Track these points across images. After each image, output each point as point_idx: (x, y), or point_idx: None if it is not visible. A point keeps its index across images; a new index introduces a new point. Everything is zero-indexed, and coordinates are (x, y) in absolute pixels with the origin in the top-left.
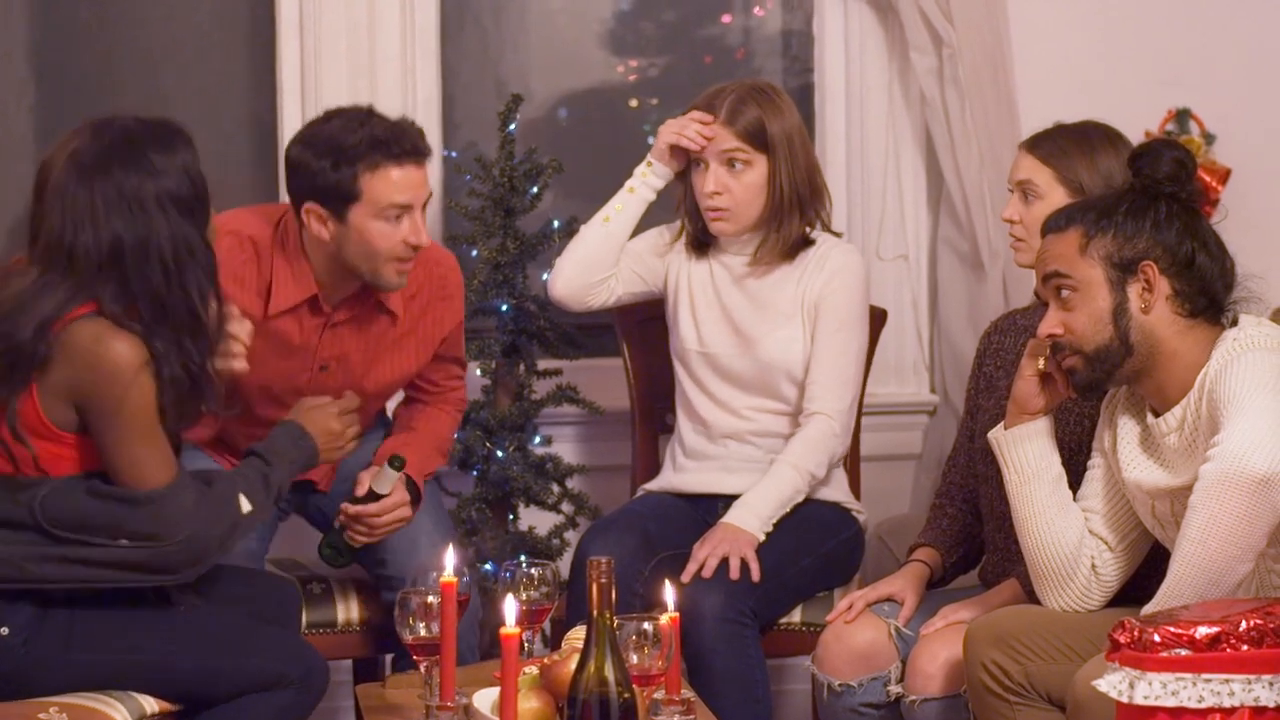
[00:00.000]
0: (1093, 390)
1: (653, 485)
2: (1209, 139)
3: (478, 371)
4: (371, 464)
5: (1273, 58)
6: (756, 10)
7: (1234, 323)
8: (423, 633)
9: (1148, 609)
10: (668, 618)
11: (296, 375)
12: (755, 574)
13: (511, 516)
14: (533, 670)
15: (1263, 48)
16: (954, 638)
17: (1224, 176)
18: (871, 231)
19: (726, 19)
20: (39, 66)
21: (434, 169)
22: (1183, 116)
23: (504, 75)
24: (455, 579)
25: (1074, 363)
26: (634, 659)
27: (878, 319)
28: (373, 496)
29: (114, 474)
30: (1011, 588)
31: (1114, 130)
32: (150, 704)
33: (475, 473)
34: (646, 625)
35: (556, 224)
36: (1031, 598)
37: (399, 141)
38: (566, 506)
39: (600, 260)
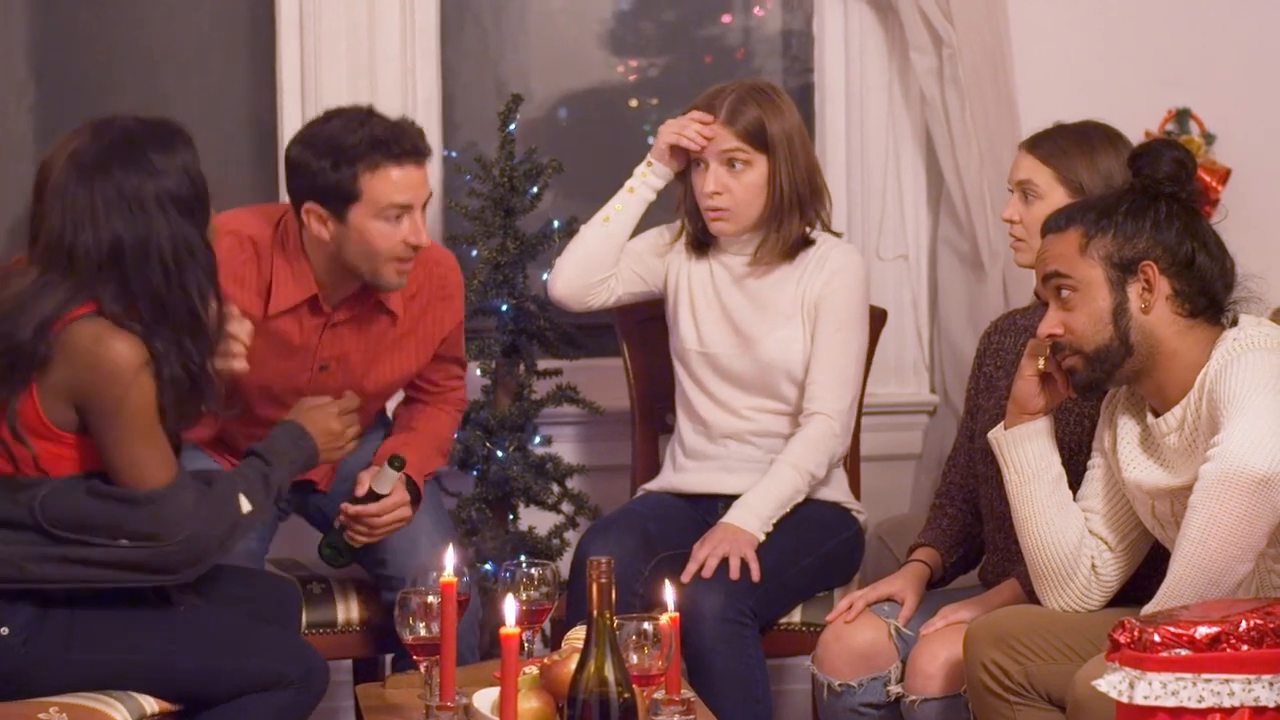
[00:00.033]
0: (1093, 390)
1: (653, 485)
2: (1209, 139)
3: (478, 371)
4: (371, 464)
5: (1273, 58)
6: (756, 10)
7: (1234, 323)
8: (423, 633)
9: (1148, 609)
10: (668, 618)
11: (296, 375)
12: (755, 574)
13: (511, 516)
14: (533, 670)
15: (1263, 48)
16: (954, 638)
17: (1224, 176)
18: (871, 231)
19: (726, 19)
20: (39, 67)
21: (434, 169)
22: (1183, 116)
23: (504, 75)
24: (455, 579)
25: (1074, 363)
26: (634, 659)
27: (878, 319)
28: (373, 496)
29: (114, 474)
30: (1011, 588)
31: (1114, 130)
32: (150, 704)
33: (475, 473)
34: (646, 625)
35: (556, 224)
36: (1031, 598)
37: (399, 141)
38: (566, 506)
39: (600, 260)
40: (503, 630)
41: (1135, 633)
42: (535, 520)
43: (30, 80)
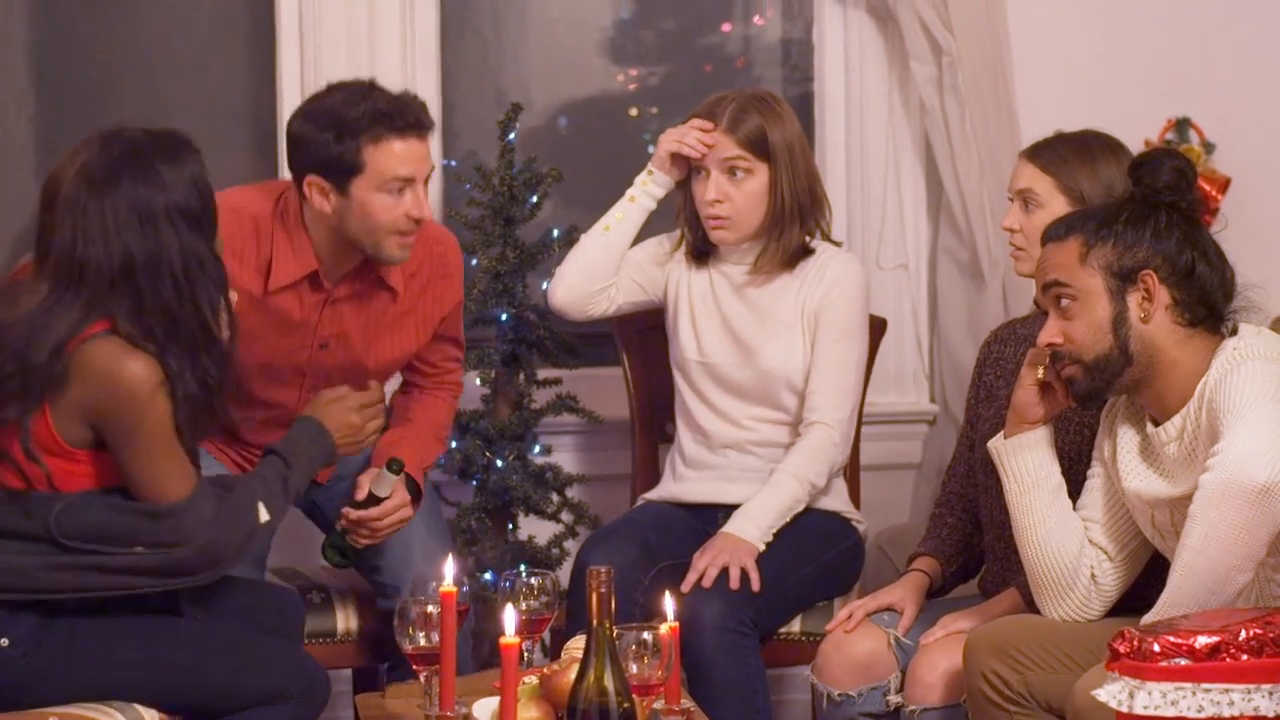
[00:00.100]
0: (1092, 399)
1: (652, 495)
2: (1209, 148)
3: (477, 381)
4: (370, 465)
5: (1272, 66)
6: (756, 19)
7: (1234, 332)
8: (422, 642)
9: (1147, 618)
10: (667, 627)
11: (296, 353)
12: (755, 584)
13: (511, 526)
14: (532, 680)
15: (1262, 56)
16: (954, 647)
17: (1224, 185)
18: (871, 240)
19: (726, 28)
20: (39, 75)
21: (434, 178)
22: (1182, 125)
23: (504, 84)
24: (455, 589)
25: (1073, 372)
26: (634, 669)
27: (877, 328)
28: (373, 500)
29: (134, 489)
30: (1011, 597)
31: (1114, 139)
32: (151, 716)
33: (475, 482)
34: (646, 635)
35: (556, 233)
36: (1031, 607)
37: (402, 114)
38: (566, 516)
39: (601, 269)
40: (502, 640)
41: (1135, 642)
42: (535, 530)
43: (30, 88)
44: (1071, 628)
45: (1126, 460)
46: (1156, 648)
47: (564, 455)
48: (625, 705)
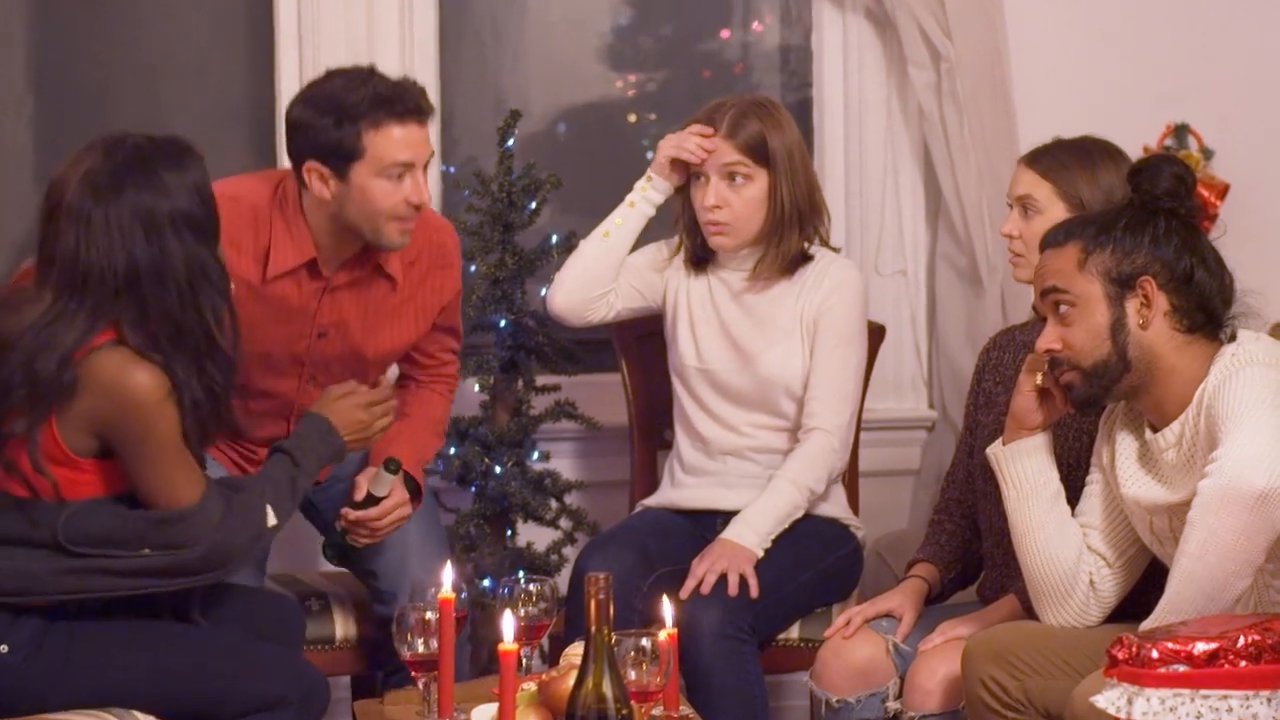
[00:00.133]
0: (1090, 405)
1: (651, 501)
2: (1207, 154)
3: (476, 387)
4: (367, 464)
5: (1271, 72)
6: (755, 25)
7: (1232, 338)
8: (421, 649)
9: (1146, 625)
10: (666, 634)
11: (295, 341)
12: (754, 590)
13: (509, 532)
14: (531, 687)
15: (1261, 62)
16: (952, 654)
17: (1222, 191)
18: (870, 246)
19: (725, 34)
20: (37, 79)
21: (433, 183)
22: (1181, 131)
23: (502, 90)
24: (453, 595)
25: (1071, 378)
26: (632, 675)
27: (876, 334)
28: (371, 500)
29: (144, 497)
30: (1010, 603)
31: (1114, 146)
32: None
33: (473, 488)
34: (645, 641)
35: (555, 239)
36: (1030, 613)
37: (402, 99)
38: (565, 522)
39: (600, 275)
40: (501, 646)
41: (1133, 648)
42: (533, 536)
43: (29, 92)
44: (1070, 634)
45: (1125, 466)
46: (1155, 654)
47: (562, 461)
48: (624, 712)
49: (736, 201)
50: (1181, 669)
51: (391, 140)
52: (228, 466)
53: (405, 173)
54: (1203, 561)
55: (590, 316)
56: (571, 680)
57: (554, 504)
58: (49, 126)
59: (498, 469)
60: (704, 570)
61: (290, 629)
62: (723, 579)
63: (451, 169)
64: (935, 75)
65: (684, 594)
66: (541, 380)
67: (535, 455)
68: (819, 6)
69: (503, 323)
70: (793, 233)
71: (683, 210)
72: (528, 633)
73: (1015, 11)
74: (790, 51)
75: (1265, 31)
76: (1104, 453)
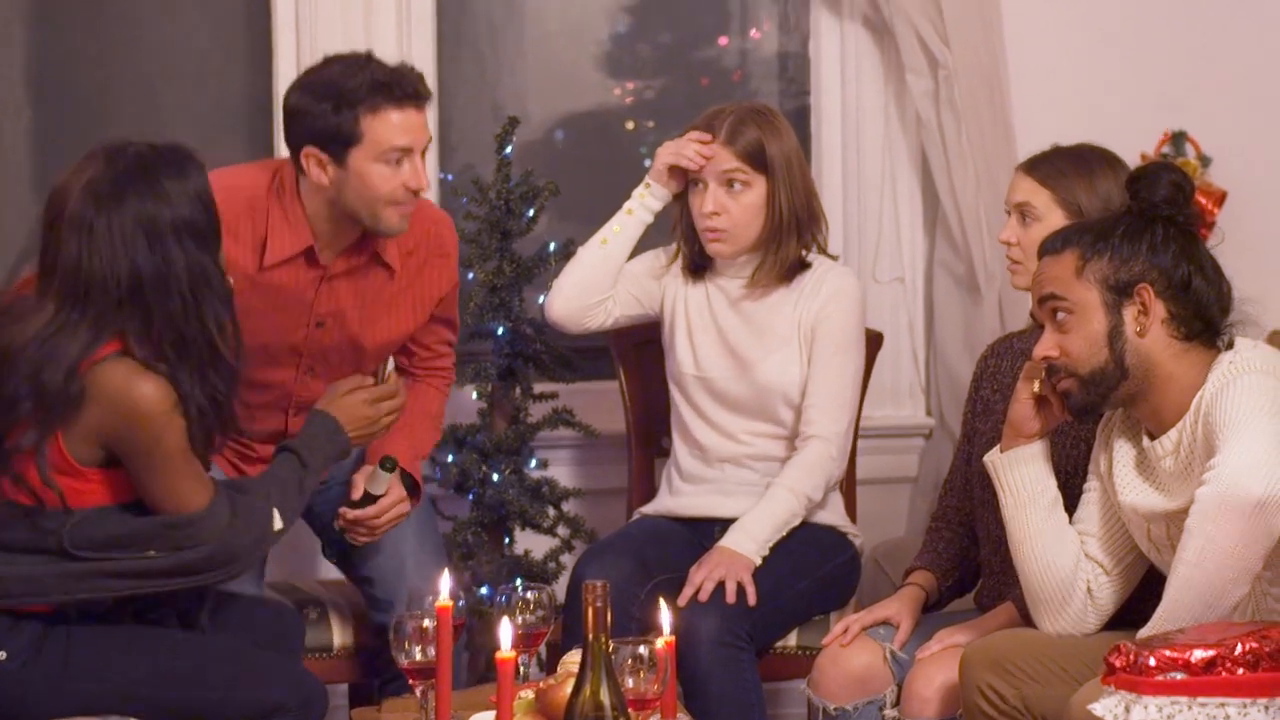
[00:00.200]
0: (1088, 413)
1: (649, 509)
2: (1205, 161)
3: (473, 394)
4: (364, 463)
5: (1268, 80)
6: (753, 33)
7: (1230, 345)
8: (418, 657)
9: (1143, 632)
10: (664, 641)
11: (292, 331)
12: (751, 598)
13: (507, 540)
14: (528, 695)
15: (1258, 70)
16: (950, 661)
17: (1220, 199)
18: (868, 254)
19: (723, 41)
20: (36, 88)
21: (431, 190)
22: (1179, 139)
23: (500, 98)
24: (451, 603)
25: (1069, 385)
26: (630, 683)
27: (874, 342)
28: (369, 499)
29: (152, 505)
30: (1007, 611)
31: (1112, 153)
32: None
33: (471, 496)
34: (642, 649)
35: (553, 247)
36: (1027, 621)
37: (400, 85)
38: (562, 530)
39: (598, 282)
40: (498, 654)
41: (1131, 656)
42: (531, 544)
43: (27, 102)
44: (1067, 642)
45: (1122, 474)
46: (1152, 662)
47: (560, 469)
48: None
49: (735, 208)
50: (1179, 676)
51: (390, 125)
52: (224, 467)
53: (403, 158)
54: (1200, 569)
55: (588, 323)
56: (569, 688)
57: (552, 511)
58: (47, 132)
59: (495, 476)
60: (702, 578)
61: (289, 637)
62: (720, 586)
63: (449, 176)
64: (933, 83)
65: (682, 601)
66: (539, 388)
67: (533, 463)
68: (817, 14)
69: (500, 330)
70: (791, 240)
71: (680, 217)
72: (525, 640)
73: (1013, 19)
74: (788, 59)
75: (1262, 38)
76: (1101, 460)
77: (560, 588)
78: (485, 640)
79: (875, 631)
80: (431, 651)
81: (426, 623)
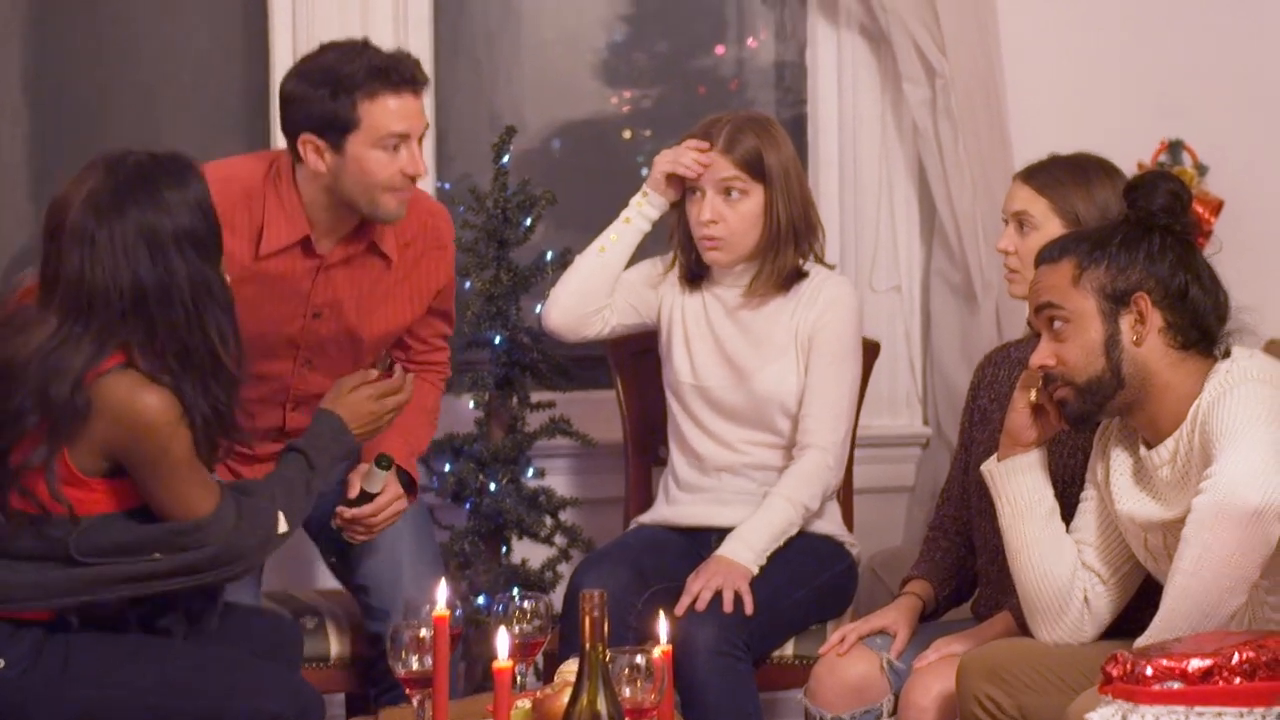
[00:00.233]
0: (1084, 422)
1: (646, 518)
2: (1202, 170)
3: (470, 403)
4: (360, 461)
5: (1265, 88)
6: (750, 42)
7: (1226, 354)
8: (415, 666)
9: (1140, 641)
10: (661, 651)
11: (289, 322)
12: (749, 607)
13: (504, 549)
14: (525, 704)
15: (1255, 78)
16: (947, 670)
17: (1217, 208)
18: (864, 263)
19: (720, 50)
20: (34, 95)
21: (428, 187)
22: (1175, 147)
23: (497, 107)
24: (448, 613)
25: (1065, 394)
26: (627, 692)
27: (870, 351)
28: (365, 497)
29: (160, 513)
30: (1004, 620)
31: (1109, 162)
32: None
33: (468, 505)
34: (639, 658)
35: (550, 256)
36: (1024, 630)
37: (397, 70)
38: (559, 539)
39: (596, 290)
40: (495, 664)
41: (1128, 665)
42: (528, 553)
43: (25, 109)
44: (1064, 651)
45: (1119, 483)
46: (1149, 671)
47: (557, 478)
48: None
49: (732, 216)
50: (1176, 686)
51: (387, 111)
52: (219, 469)
53: (401, 143)
54: (1197, 578)
55: (586, 332)
56: (566, 697)
57: (549, 521)
58: (45, 135)
59: (492, 486)
60: (699, 587)
61: (287, 647)
62: (718, 596)
63: (446, 185)
64: (930, 91)
65: (679, 610)
66: (536, 397)
67: (530, 472)
68: (814, 22)
69: (497, 339)
70: (788, 249)
71: (677, 226)
72: (522, 650)
73: (1009, 27)
74: (785, 67)
75: (1259, 46)
76: (1098, 469)
77: (557, 597)
78: (482, 650)
79: (872, 641)
80: (428, 661)
81: (423, 632)
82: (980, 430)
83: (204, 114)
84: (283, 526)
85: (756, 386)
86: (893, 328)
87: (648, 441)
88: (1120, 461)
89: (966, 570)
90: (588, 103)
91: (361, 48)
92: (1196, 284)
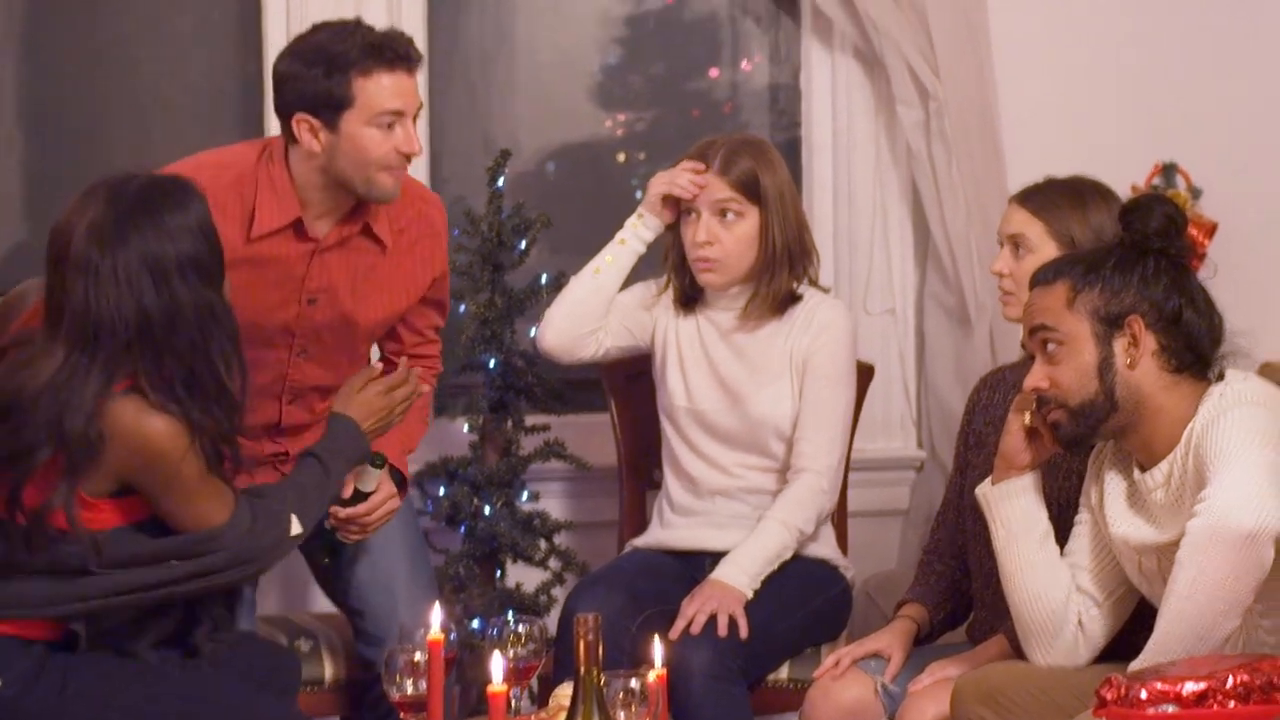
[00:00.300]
0: (1077, 445)
1: (640, 541)
2: (1195, 193)
3: (465, 427)
4: None
5: (1258, 111)
6: (744, 65)
7: (1220, 377)
8: (410, 690)
9: (1135, 665)
10: (655, 674)
11: (284, 308)
12: (743, 631)
13: (499, 573)
14: None
15: (1248, 101)
16: (942, 694)
17: (1210, 231)
18: (859, 285)
19: (714, 73)
20: (28, 120)
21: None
22: (1169, 170)
23: (492, 130)
24: (442, 636)
25: (1058, 416)
26: (621, 716)
27: (865, 374)
28: (359, 497)
29: (175, 528)
30: (999, 643)
31: (1105, 186)
32: None
33: (462, 529)
34: (634, 682)
35: (545, 279)
36: (1019, 653)
37: (391, 47)
38: (554, 563)
39: (590, 311)
40: (490, 688)
41: (1122, 689)
42: (522, 576)
43: (19, 133)
44: (1059, 674)
45: (1114, 506)
46: (1144, 694)
47: (552, 502)
48: None
49: (728, 238)
50: (1170, 709)
51: (381, 88)
52: None
53: (396, 121)
54: (1191, 601)
55: (580, 354)
56: None
57: (543, 544)
58: (39, 169)
59: (487, 509)
60: (694, 611)
61: (284, 676)
62: (712, 619)
63: None
64: (924, 114)
65: (673, 634)
66: (531, 420)
67: (524, 495)
68: (807, 45)
69: (492, 363)
70: (782, 272)
71: (671, 248)
72: (517, 674)
73: (1003, 51)
74: (779, 90)
75: (1252, 70)
76: (1092, 492)
77: (552, 621)
78: (477, 674)
79: (867, 664)
80: (423, 685)
81: (418, 656)
82: (976, 453)
83: (199, 138)
84: (296, 528)
85: (751, 410)
86: (887, 351)
87: (642, 465)
88: (1114, 485)
89: (961, 593)
90: (582, 126)
91: (354, 26)
92: (1191, 307)
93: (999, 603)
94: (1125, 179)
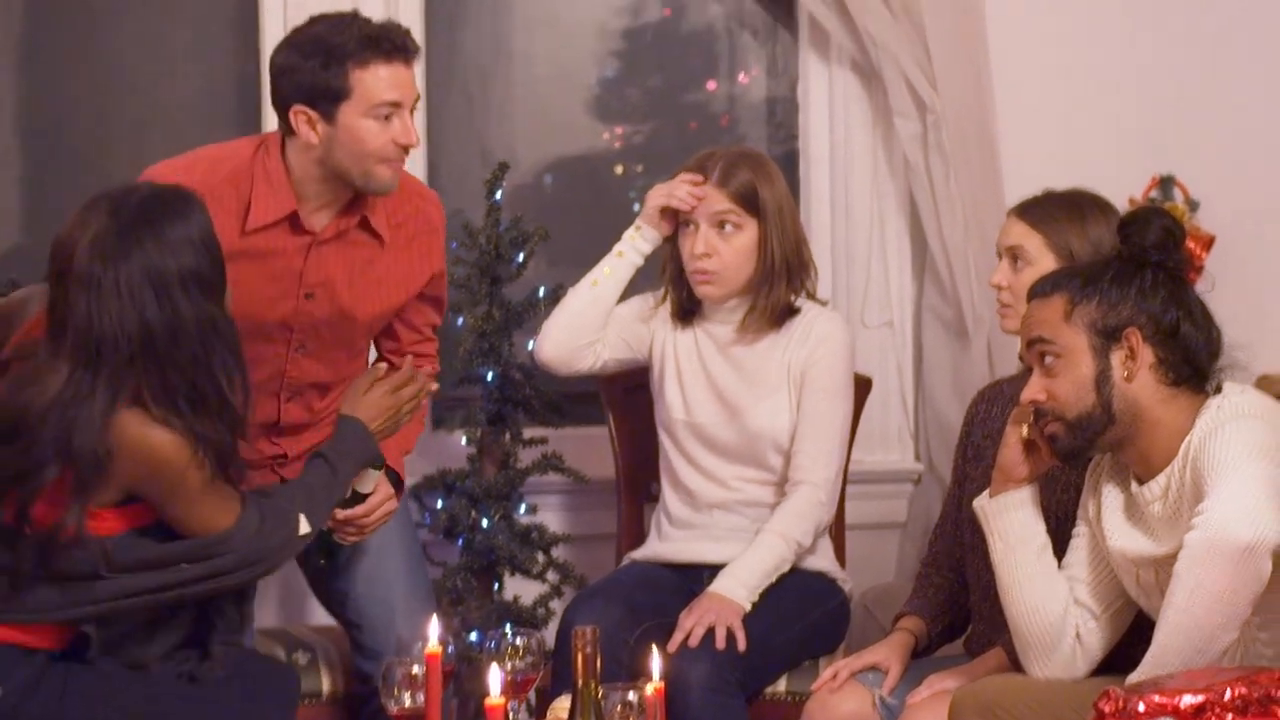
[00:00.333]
0: (1075, 457)
1: (638, 554)
2: (1193, 206)
3: (463, 440)
4: None
5: (1255, 123)
6: (741, 77)
7: (1218, 390)
8: (408, 703)
9: (1133, 678)
10: (653, 687)
11: (282, 302)
12: (741, 643)
13: (497, 586)
14: None
15: (1245, 114)
16: (940, 707)
17: (1208, 244)
18: (856, 298)
19: (711, 86)
20: (26, 136)
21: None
22: (1167, 183)
23: (490, 143)
24: (440, 649)
25: (1055, 429)
26: None
27: (862, 387)
28: (357, 498)
29: (183, 533)
30: (997, 656)
31: (1103, 198)
32: None
33: (460, 542)
34: (632, 695)
35: (543, 292)
36: (1017, 666)
37: (388, 38)
38: (552, 575)
39: (588, 323)
40: (488, 700)
41: (1120, 702)
42: (520, 589)
43: (17, 150)
44: (1057, 687)
45: (1111, 519)
46: (1141, 707)
47: (550, 515)
48: None
49: (726, 250)
50: None
51: (379, 79)
52: None
53: (393, 113)
54: (1189, 614)
55: (578, 366)
56: None
57: (541, 557)
58: (38, 185)
59: (485, 522)
60: (692, 623)
61: (284, 695)
62: (710, 632)
63: None
64: (921, 126)
65: (671, 647)
66: (529, 433)
67: (522, 508)
68: (805, 58)
69: (490, 375)
70: (780, 285)
71: (669, 260)
72: (514, 686)
73: (1001, 63)
74: (776, 103)
75: (1249, 83)
76: (1090, 505)
77: (550, 633)
78: (475, 686)
79: (864, 677)
80: (421, 698)
81: (416, 669)
82: (974, 466)
83: (196, 120)
84: (304, 528)
85: (749, 423)
86: (884, 363)
87: (640, 478)
88: (1112, 497)
89: (959, 606)
90: (580, 138)
91: (352, 18)
92: (1188, 320)
93: (997, 615)
94: (1123, 192)
